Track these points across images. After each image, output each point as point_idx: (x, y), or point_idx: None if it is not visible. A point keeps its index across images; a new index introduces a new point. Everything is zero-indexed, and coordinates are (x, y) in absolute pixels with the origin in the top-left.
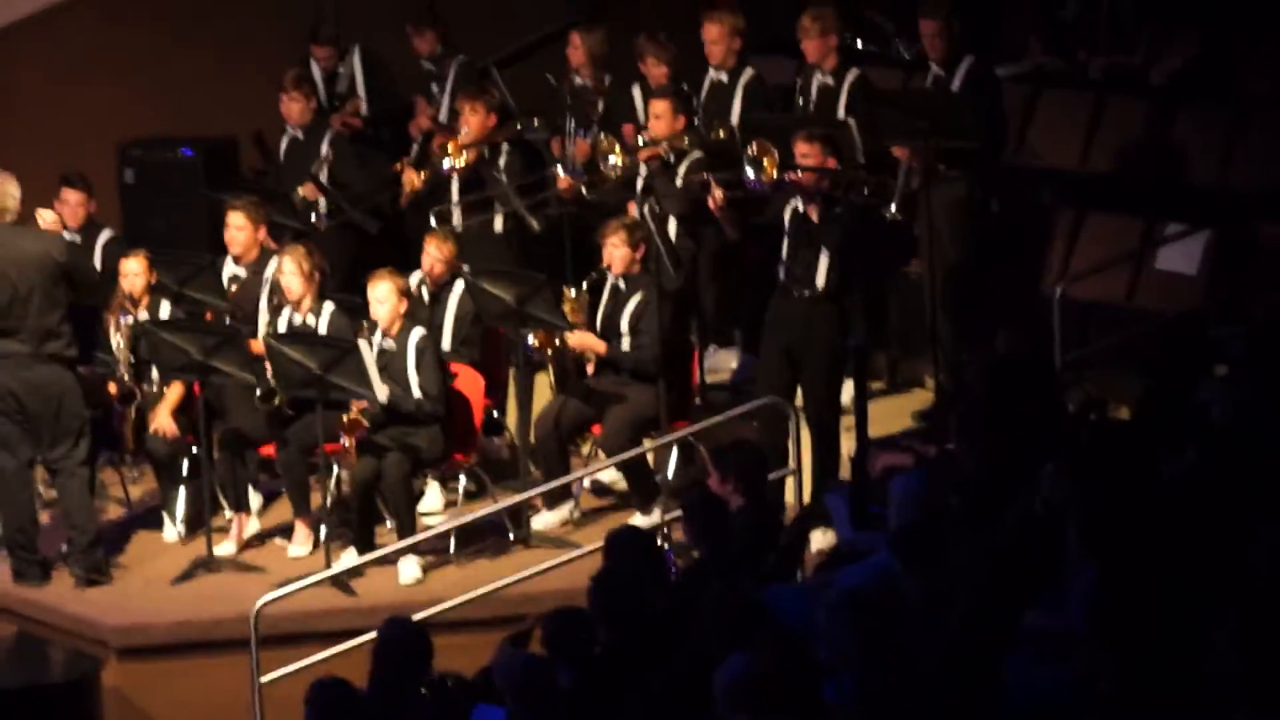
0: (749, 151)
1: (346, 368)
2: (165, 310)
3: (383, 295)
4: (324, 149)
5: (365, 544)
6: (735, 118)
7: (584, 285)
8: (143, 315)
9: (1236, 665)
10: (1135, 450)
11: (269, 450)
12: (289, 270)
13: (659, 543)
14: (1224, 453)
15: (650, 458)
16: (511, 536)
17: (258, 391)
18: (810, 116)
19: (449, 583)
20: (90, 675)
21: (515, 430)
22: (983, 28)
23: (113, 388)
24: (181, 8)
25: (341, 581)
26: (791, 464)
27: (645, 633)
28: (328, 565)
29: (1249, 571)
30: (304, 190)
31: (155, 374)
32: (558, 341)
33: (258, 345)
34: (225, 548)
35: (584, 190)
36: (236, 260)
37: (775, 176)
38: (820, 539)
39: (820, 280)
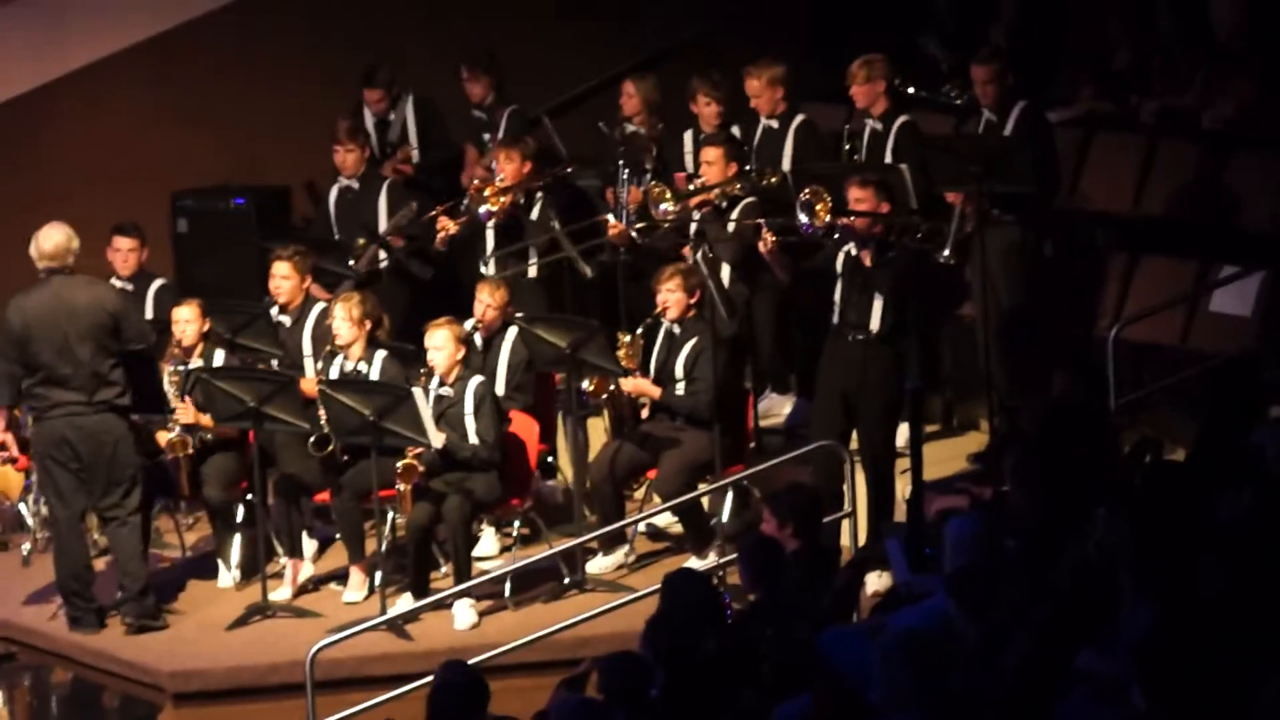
0: (802, 196)
1: (401, 414)
2: (219, 358)
3: (440, 342)
4: (382, 200)
5: (420, 589)
6: (787, 163)
7: (638, 331)
8: (196, 363)
9: None
10: (1190, 492)
11: (324, 496)
12: (339, 317)
13: (714, 586)
14: (1279, 494)
15: (705, 502)
16: (567, 580)
17: (311, 438)
18: (862, 162)
19: (504, 627)
20: None
21: (570, 475)
22: (1035, 73)
23: (161, 436)
24: (235, 58)
25: (397, 626)
26: (847, 507)
27: (701, 676)
28: (383, 611)
29: None
30: (391, 239)
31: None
32: (612, 387)
33: (308, 390)
34: (280, 593)
35: (636, 236)
36: (282, 310)
37: (828, 221)
38: (876, 581)
39: (874, 324)
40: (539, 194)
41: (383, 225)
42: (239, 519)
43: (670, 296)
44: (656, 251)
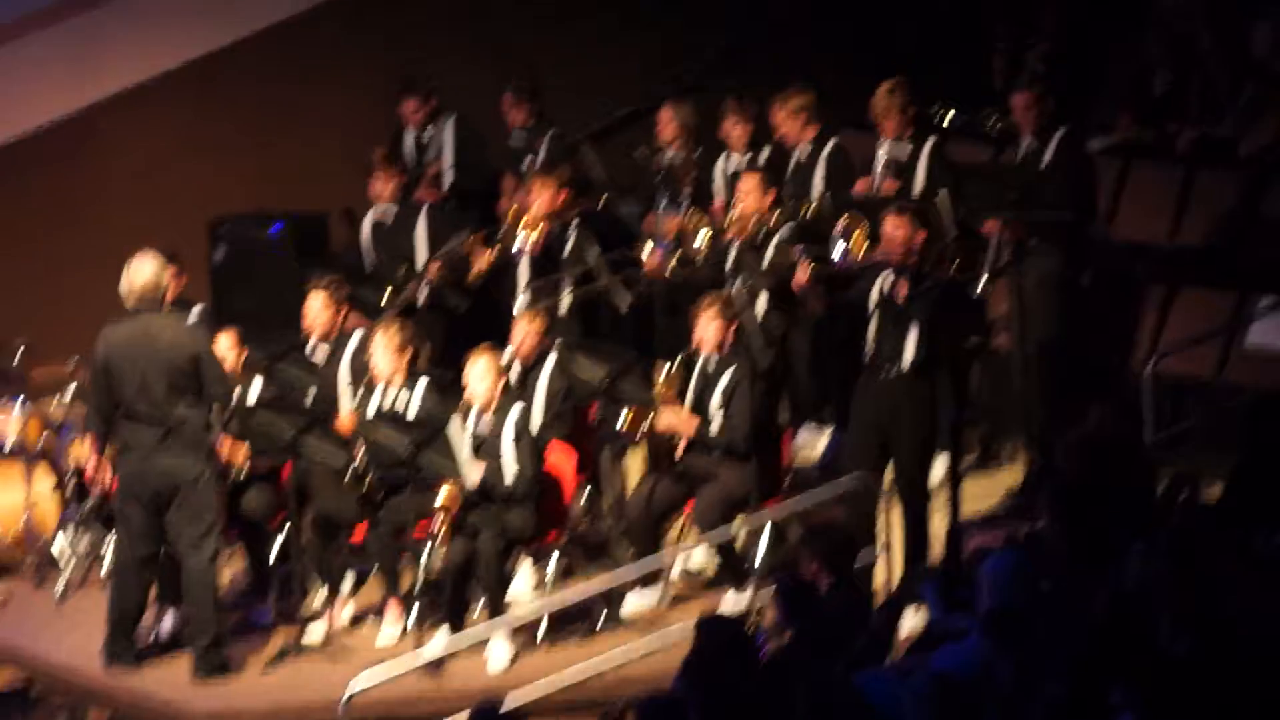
0: (838, 226)
1: (438, 447)
2: (257, 385)
3: (482, 373)
4: (420, 226)
5: (456, 626)
6: (817, 190)
7: (675, 363)
8: (234, 392)
9: None
10: (1227, 528)
11: (360, 532)
12: (380, 346)
13: (750, 624)
14: None
15: (741, 537)
16: (603, 618)
17: (348, 473)
18: (899, 190)
19: (540, 665)
20: None
21: (607, 509)
22: (1074, 100)
23: None
24: (271, 86)
25: (433, 664)
26: (882, 543)
27: (736, 716)
28: (418, 647)
29: None
30: (430, 271)
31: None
32: (648, 421)
33: (344, 424)
34: (316, 631)
35: (671, 268)
36: (319, 341)
37: (864, 251)
38: (912, 620)
39: (908, 357)
40: (575, 223)
41: (420, 252)
42: (275, 555)
43: (707, 328)
44: (695, 283)
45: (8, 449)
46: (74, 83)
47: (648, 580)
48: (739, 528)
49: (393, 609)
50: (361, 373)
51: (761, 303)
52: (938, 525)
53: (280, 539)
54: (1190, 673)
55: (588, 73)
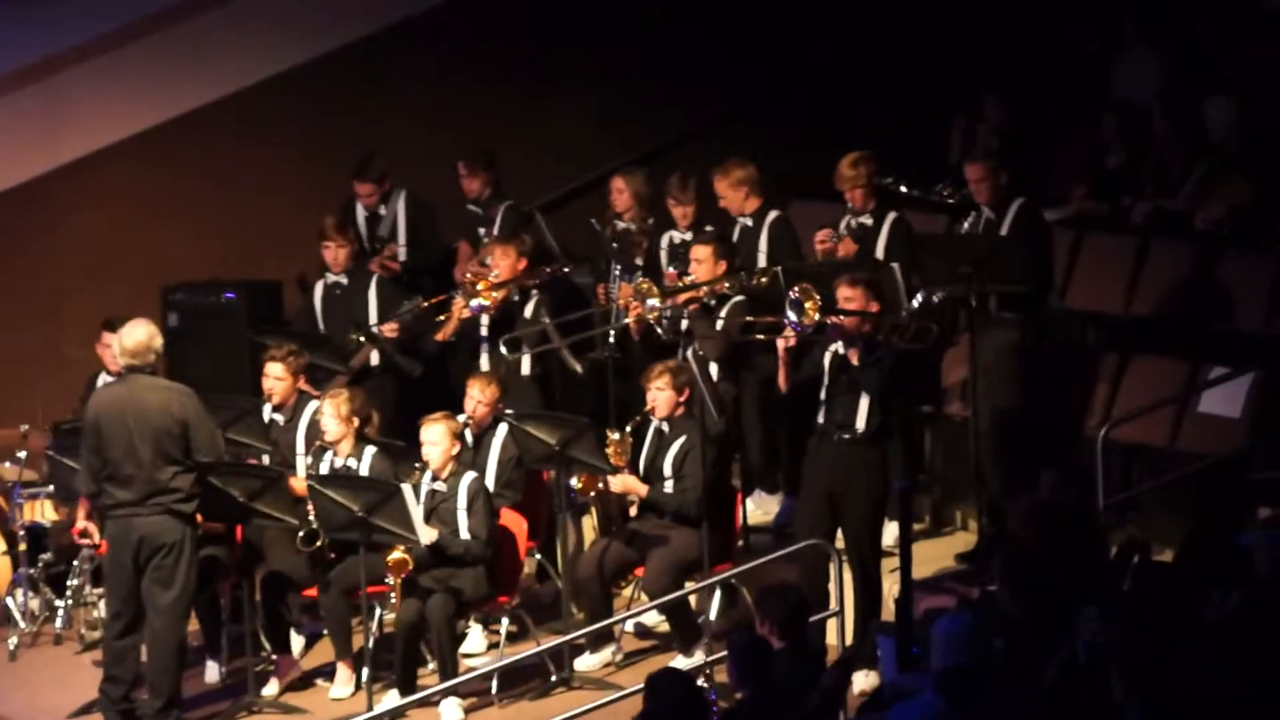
0: (791, 295)
1: (389, 510)
2: None
3: (435, 438)
4: (371, 294)
5: (408, 685)
6: (763, 260)
7: (627, 428)
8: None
9: None
10: (1178, 593)
11: (311, 592)
12: (328, 414)
13: (701, 684)
14: (1267, 596)
15: (693, 600)
16: (554, 678)
17: (300, 534)
18: (851, 260)
19: None
20: None
21: (558, 572)
22: (1027, 172)
23: None
24: (226, 153)
25: None
26: (834, 605)
27: None
28: (369, 707)
29: None
30: (386, 329)
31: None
32: (600, 485)
33: (298, 487)
34: (268, 689)
35: (637, 332)
36: (275, 409)
37: (816, 320)
38: (863, 680)
39: (860, 424)
40: (533, 291)
41: (373, 319)
42: (226, 614)
43: (660, 395)
44: (648, 349)
45: None
46: (29, 151)
47: (599, 640)
48: (690, 592)
49: (344, 669)
50: (315, 437)
51: (713, 369)
52: (889, 588)
53: (231, 599)
54: None
55: (539, 144)
